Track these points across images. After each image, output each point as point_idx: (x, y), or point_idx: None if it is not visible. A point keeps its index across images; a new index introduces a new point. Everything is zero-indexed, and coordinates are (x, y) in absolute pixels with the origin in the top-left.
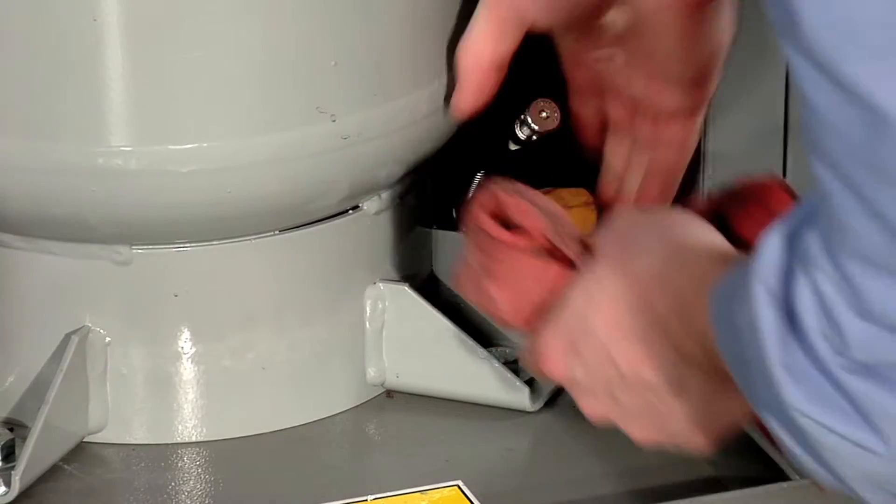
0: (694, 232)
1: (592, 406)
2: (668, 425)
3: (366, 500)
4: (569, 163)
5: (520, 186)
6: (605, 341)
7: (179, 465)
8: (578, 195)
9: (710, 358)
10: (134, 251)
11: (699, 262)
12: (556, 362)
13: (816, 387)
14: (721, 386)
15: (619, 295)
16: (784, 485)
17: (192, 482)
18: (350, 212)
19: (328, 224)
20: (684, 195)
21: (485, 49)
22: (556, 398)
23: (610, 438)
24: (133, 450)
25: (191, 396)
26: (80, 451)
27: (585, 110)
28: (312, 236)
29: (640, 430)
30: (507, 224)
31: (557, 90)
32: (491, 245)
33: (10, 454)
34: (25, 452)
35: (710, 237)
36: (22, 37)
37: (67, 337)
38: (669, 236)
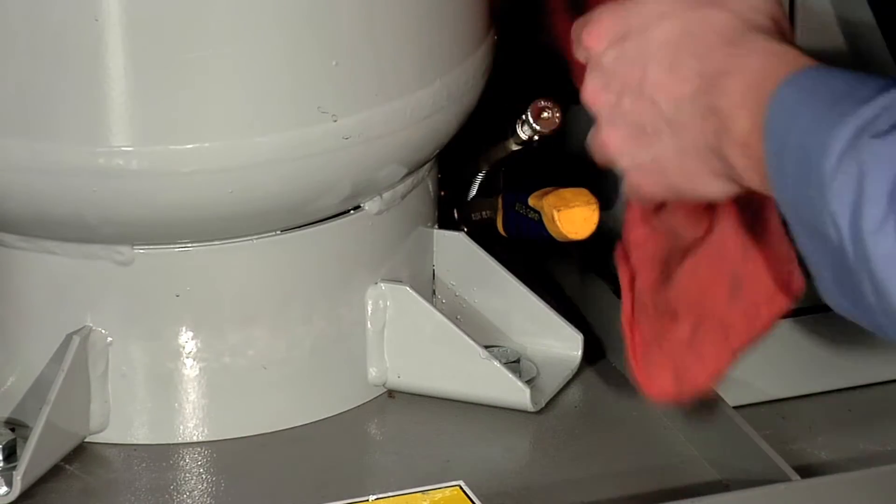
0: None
1: (607, 133)
2: (666, 165)
3: (367, 500)
4: (569, 163)
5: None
6: (651, 52)
7: (181, 464)
8: (579, 195)
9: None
10: (135, 251)
11: (763, 49)
12: (601, 34)
13: None
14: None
15: (689, 25)
16: (784, 485)
17: (193, 482)
18: (351, 212)
19: (329, 224)
20: None
21: None
22: (557, 398)
23: (610, 439)
24: (134, 450)
25: (192, 396)
26: (82, 451)
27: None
28: (314, 236)
29: (642, 175)
30: None
31: (557, 90)
32: None
33: (11, 454)
34: (27, 452)
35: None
36: (23, 37)
37: (69, 337)
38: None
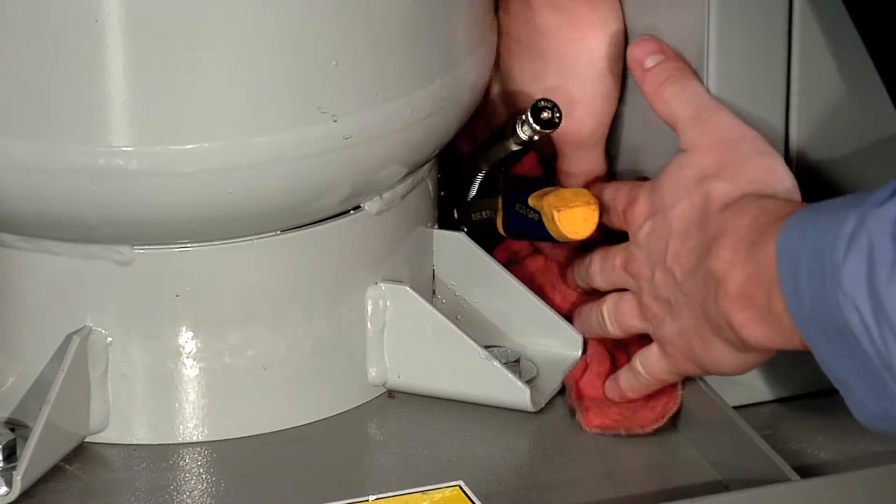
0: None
1: (648, 305)
2: (689, 338)
3: (367, 501)
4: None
5: None
6: (672, 228)
7: (181, 465)
8: (578, 195)
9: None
10: (135, 251)
11: (769, 211)
12: (639, 212)
13: None
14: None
15: (696, 201)
16: (784, 485)
17: (193, 482)
18: (351, 212)
19: (329, 224)
20: None
21: None
22: (557, 398)
23: (610, 439)
24: (134, 450)
25: (192, 396)
26: (82, 452)
27: None
28: (314, 236)
29: (673, 349)
30: None
31: None
32: None
33: (11, 454)
34: (27, 452)
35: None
36: (23, 36)
37: (69, 337)
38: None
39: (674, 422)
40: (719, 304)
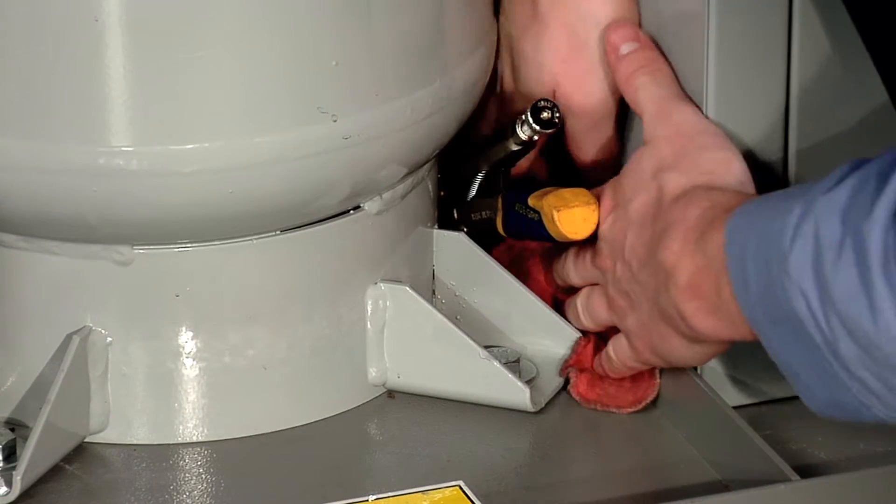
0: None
1: (612, 297)
2: (648, 329)
3: (367, 501)
4: (569, 163)
5: None
6: (630, 220)
7: (180, 465)
8: (579, 195)
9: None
10: (135, 251)
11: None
12: (604, 206)
13: None
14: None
15: (652, 192)
16: (784, 485)
17: (193, 482)
18: (351, 212)
19: (329, 224)
20: None
21: None
22: (556, 398)
23: (610, 439)
24: (134, 450)
25: (192, 396)
26: (82, 452)
27: None
28: (314, 236)
29: (636, 340)
30: None
31: None
32: None
33: (11, 454)
34: (27, 452)
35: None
36: (23, 37)
37: (69, 337)
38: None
39: (674, 422)
40: (670, 295)
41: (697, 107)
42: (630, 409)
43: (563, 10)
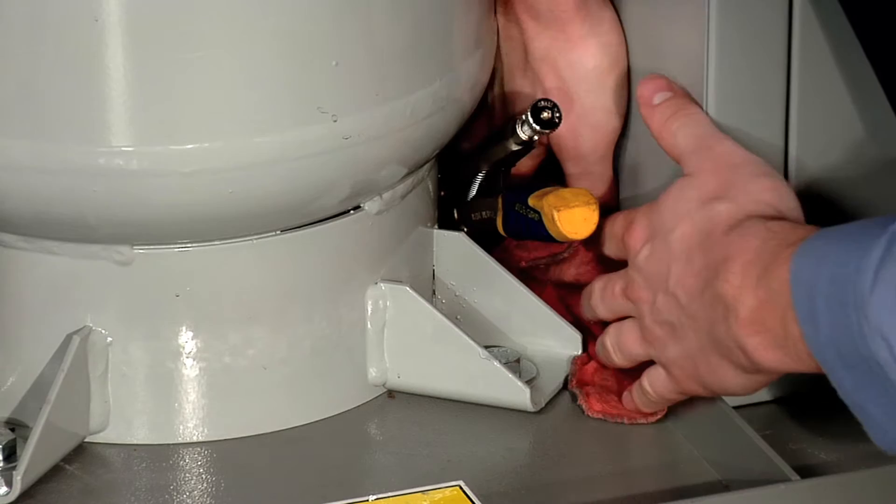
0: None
1: (651, 329)
2: (695, 360)
3: (367, 501)
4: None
5: None
6: (673, 251)
7: (181, 465)
8: (579, 195)
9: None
10: (135, 251)
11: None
12: (637, 236)
13: None
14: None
15: (699, 223)
16: (784, 485)
17: (193, 482)
18: (351, 212)
19: (329, 224)
20: None
21: None
22: (557, 398)
23: (610, 439)
24: (134, 450)
25: (192, 396)
26: (82, 452)
27: None
28: (314, 236)
29: (678, 371)
30: None
31: None
32: None
33: (11, 454)
34: (27, 452)
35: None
36: (23, 36)
37: (69, 337)
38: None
39: (674, 422)
40: (730, 328)
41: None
42: (656, 417)
43: (553, 59)
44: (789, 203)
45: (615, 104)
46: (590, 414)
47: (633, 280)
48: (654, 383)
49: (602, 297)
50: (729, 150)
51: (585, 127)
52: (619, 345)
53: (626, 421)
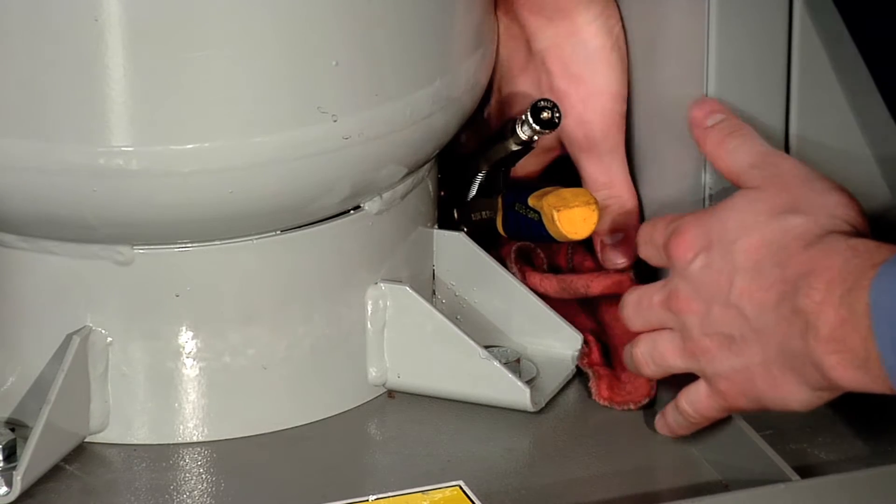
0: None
1: (699, 341)
2: (753, 374)
3: (367, 500)
4: (569, 163)
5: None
6: (737, 262)
7: (181, 465)
8: (579, 195)
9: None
10: (135, 251)
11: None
12: (688, 245)
13: None
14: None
15: (770, 235)
16: (784, 485)
17: (193, 482)
18: (351, 212)
19: (329, 224)
20: None
21: None
22: (557, 398)
23: (610, 439)
24: (134, 450)
25: (192, 396)
26: (82, 451)
27: None
28: (314, 236)
29: (728, 384)
30: None
31: None
32: None
33: (11, 454)
34: (27, 452)
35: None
36: (23, 36)
37: (69, 337)
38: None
39: None
40: (807, 344)
41: None
42: (644, 402)
43: (559, 46)
44: (860, 218)
45: (620, 86)
46: (596, 399)
47: (677, 290)
48: (696, 402)
49: (637, 309)
50: (796, 166)
51: (594, 114)
52: (655, 356)
53: (633, 407)
